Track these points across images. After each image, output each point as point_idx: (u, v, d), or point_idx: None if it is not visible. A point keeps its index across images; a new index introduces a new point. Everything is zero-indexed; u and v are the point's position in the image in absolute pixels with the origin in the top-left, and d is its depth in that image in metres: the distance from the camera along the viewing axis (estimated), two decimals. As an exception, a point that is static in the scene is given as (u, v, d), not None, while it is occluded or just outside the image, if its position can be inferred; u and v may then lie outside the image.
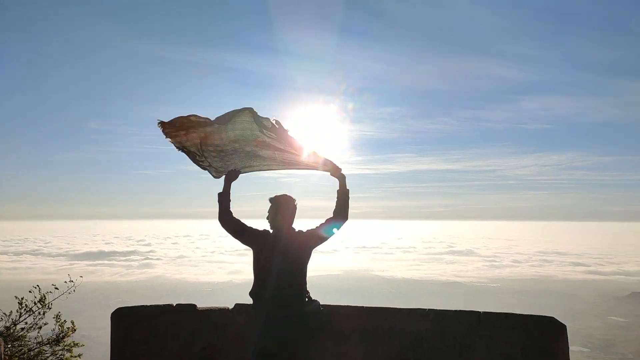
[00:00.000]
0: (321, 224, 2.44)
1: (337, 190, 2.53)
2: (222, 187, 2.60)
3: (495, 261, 72.06)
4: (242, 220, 2.51)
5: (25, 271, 58.40)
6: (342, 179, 2.54)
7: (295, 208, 2.50)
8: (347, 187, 2.56)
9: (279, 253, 2.32)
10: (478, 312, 2.45)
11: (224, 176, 2.68)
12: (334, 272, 54.77)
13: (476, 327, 2.39)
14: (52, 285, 3.62)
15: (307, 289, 2.40)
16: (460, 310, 2.47)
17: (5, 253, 75.98)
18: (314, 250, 2.48)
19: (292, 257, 2.33)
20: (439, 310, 2.49)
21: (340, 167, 2.57)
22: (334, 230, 2.46)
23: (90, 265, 66.10)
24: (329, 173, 2.61)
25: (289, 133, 2.43)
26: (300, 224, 2.51)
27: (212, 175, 2.81)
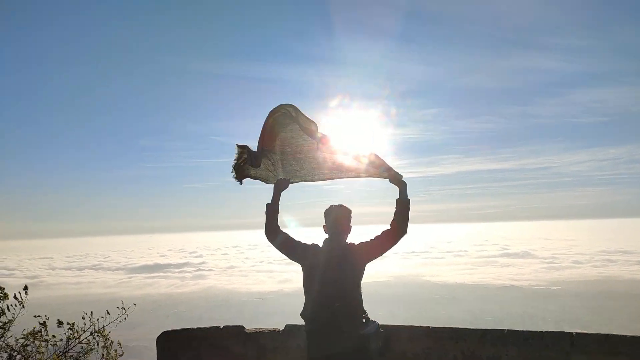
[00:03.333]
0: (377, 237, 2.24)
1: (397, 200, 2.30)
2: (272, 197, 2.43)
3: (554, 263, 68.81)
4: (289, 233, 2.35)
5: (88, 285, 61.47)
6: (402, 186, 2.32)
7: (350, 220, 2.31)
8: (408, 197, 2.31)
9: (333, 270, 2.14)
10: (570, 333, 2.09)
11: (273, 185, 2.53)
12: (383, 278, 54.17)
13: (569, 352, 2.02)
14: (107, 311, 3.43)
15: (364, 309, 2.18)
16: (547, 332, 2.13)
17: (69, 268, 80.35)
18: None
19: (346, 275, 2.16)
20: (521, 331, 2.18)
21: (401, 173, 2.36)
22: (392, 244, 2.24)
23: (147, 277, 68.71)
24: (387, 180, 2.38)
25: (334, 140, 2.34)
26: (353, 233, 2.36)
27: (267, 181, 2.68)
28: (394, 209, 2.28)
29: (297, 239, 2.30)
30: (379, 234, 2.24)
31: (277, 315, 29.19)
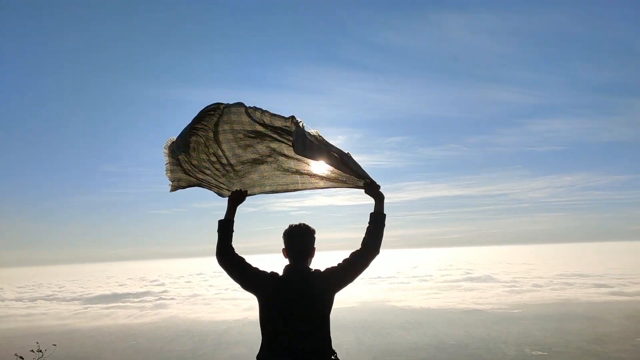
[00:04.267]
0: (345, 261, 1.92)
1: (371, 214, 2.00)
2: (225, 212, 2.10)
3: (515, 286, 70.24)
4: (246, 259, 1.98)
5: (40, 317, 58.01)
6: (379, 198, 2.02)
7: (314, 241, 1.98)
8: (385, 211, 2.02)
9: (295, 303, 1.80)
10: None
11: (227, 197, 2.19)
12: (349, 304, 53.82)
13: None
14: (16, 355, 2.95)
15: (333, 349, 1.85)
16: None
17: (21, 299, 75.65)
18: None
19: (312, 308, 1.82)
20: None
21: (378, 183, 2.03)
22: (364, 266, 1.93)
23: (104, 308, 65.52)
24: (362, 190, 2.08)
25: (306, 134, 1.90)
26: (317, 260, 2.07)
27: (218, 193, 2.34)
28: (367, 225, 1.99)
29: (253, 265, 1.97)
30: (347, 256, 1.95)
31: (240, 344, 28.34)
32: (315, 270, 1.94)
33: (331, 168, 2.05)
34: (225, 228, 2.06)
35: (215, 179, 2.32)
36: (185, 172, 2.27)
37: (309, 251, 1.98)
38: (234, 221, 2.12)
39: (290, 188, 2.29)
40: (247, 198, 2.32)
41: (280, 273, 1.95)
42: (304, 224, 2.01)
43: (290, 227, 2.01)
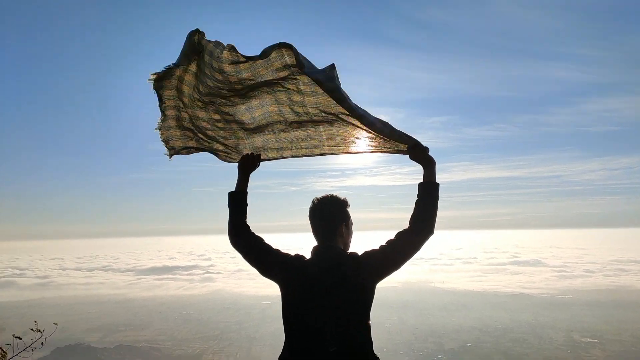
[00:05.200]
0: (390, 242, 1.48)
1: (420, 184, 1.55)
2: (236, 182, 1.69)
3: (565, 271, 68.12)
4: (265, 239, 1.59)
5: (97, 286, 61.92)
6: (429, 163, 1.57)
7: (348, 217, 1.56)
8: (437, 180, 1.56)
9: (326, 294, 1.40)
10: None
11: (237, 163, 1.74)
12: (391, 284, 53.92)
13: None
14: (13, 335, 2.62)
15: (375, 354, 1.43)
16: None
17: (79, 269, 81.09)
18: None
19: (347, 301, 1.40)
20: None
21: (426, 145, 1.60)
22: (415, 248, 1.49)
23: (156, 279, 69.05)
24: (407, 155, 1.63)
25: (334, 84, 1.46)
26: (358, 242, 1.62)
27: (226, 159, 1.86)
28: (416, 199, 1.54)
29: (274, 246, 1.56)
30: (392, 237, 1.49)
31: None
32: (351, 253, 1.51)
33: (365, 127, 1.59)
34: (238, 201, 1.63)
35: (220, 141, 1.83)
36: (182, 129, 1.81)
37: (337, 228, 1.53)
38: (247, 193, 1.69)
39: (315, 152, 1.77)
40: (265, 164, 1.83)
41: (307, 257, 1.53)
42: (330, 195, 1.57)
43: (314, 201, 1.57)
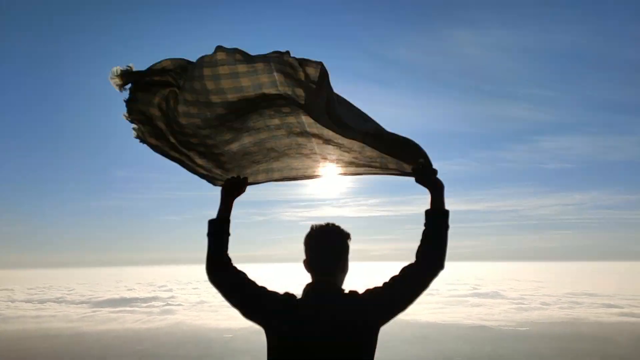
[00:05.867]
0: (394, 279, 1.32)
1: (427, 212, 1.38)
2: (219, 207, 1.50)
3: (522, 304, 69.51)
4: (248, 275, 1.40)
5: (49, 319, 58.58)
6: (435, 188, 1.40)
7: (347, 250, 1.37)
8: (446, 206, 1.38)
9: (320, 338, 1.22)
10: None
11: (220, 187, 1.56)
12: (356, 316, 53.26)
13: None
14: None
15: None
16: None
17: (30, 301, 76.49)
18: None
19: (347, 347, 1.23)
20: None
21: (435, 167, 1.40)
22: (424, 285, 1.32)
23: (113, 312, 65.95)
24: (410, 177, 1.46)
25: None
26: (354, 280, 1.50)
27: (210, 180, 1.67)
28: (423, 228, 1.37)
29: (258, 283, 1.37)
30: (397, 273, 1.34)
31: (246, 353, 28.39)
32: (350, 292, 1.33)
33: (362, 145, 1.40)
34: (219, 231, 1.46)
35: (201, 151, 1.58)
36: (156, 130, 1.55)
37: (341, 263, 1.35)
38: (230, 220, 1.49)
39: (308, 173, 1.63)
40: (249, 189, 1.63)
41: (299, 295, 1.34)
42: (333, 224, 1.37)
43: (314, 228, 1.37)
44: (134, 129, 1.55)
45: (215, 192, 1.59)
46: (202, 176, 1.70)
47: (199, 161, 1.62)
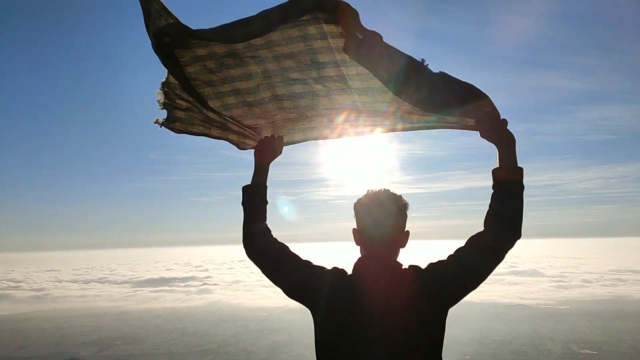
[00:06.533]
0: (461, 251, 1.11)
1: (495, 171, 1.15)
2: (253, 173, 1.31)
3: (562, 281, 68.05)
4: (290, 247, 1.21)
5: (93, 299, 61.48)
6: (504, 141, 1.15)
7: (405, 219, 1.15)
8: (519, 164, 1.15)
9: (377, 321, 1.01)
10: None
11: (253, 150, 1.39)
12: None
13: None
14: None
15: None
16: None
17: (75, 281, 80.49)
18: None
19: (409, 330, 1.02)
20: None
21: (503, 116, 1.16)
22: (496, 258, 1.10)
23: (153, 291, 68.61)
24: (472, 131, 1.22)
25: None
26: (412, 254, 1.30)
27: (238, 144, 1.50)
28: (492, 192, 1.15)
29: (302, 257, 1.17)
30: (464, 245, 1.12)
31: (281, 332, 28.92)
32: (410, 267, 1.11)
33: (414, 95, 1.15)
34: (255, 198, 1.27)
35: (232, 120, 1.41)
36: (186, 102, 1.39)
37: (399, 234, 1.13)
38: (266, 187, 1.30)
39: (348, 132, 1.40)
40: (285, 151, 1.42)
41: (349, 270, 1.13)
42: (389, 190, 1.15)
43: (368, 194, 1.15)
44: (159, 101, 1.37)
45: (245, 171, 1.39)
46: (233, 141, 1.50)
47: (233, 126, 1.45)
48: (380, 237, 1.11)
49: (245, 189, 1.27)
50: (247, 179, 1.34)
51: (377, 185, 1.17)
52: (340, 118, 1.37)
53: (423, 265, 1.12)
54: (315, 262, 1.16)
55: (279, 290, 1.18)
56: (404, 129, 1.37)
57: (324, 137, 1.44)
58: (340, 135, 1.43)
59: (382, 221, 1.11)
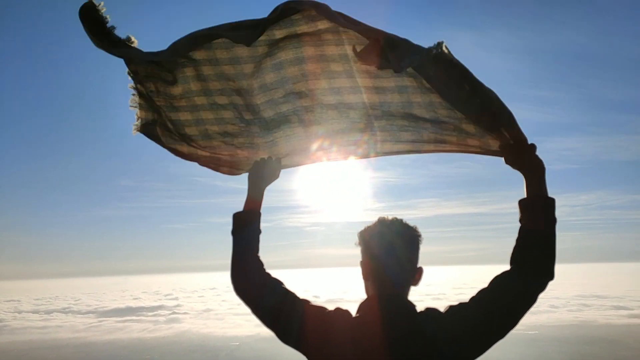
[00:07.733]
0: (486, 293, 0.98)
1: (523, 203, 1.04)
2: (246, 199, 1.15)
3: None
4: (285, 284, 1.07)
5: (55, 330, 58.69)
6: (535, 169, 1.03)
7: (418, 253, 1.04)
8: (549, 194, 1.02)
9: None
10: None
11: (247, 174, 1.22)
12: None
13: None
14: None
15: None
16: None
17: (37, 312, 76.72)
18: None
19: None
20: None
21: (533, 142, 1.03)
22: (527, 301, 0.96)
23: (119, 321, 66.06)
24: (494, 157, 1.12)
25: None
26: (419, 294, 1.08)
27: (230, 170, 1.38)
28: (519, 227, 1.02)
29: (300, 296, 1.03)
30: (488, 287, 0.99)
31: (252, 361, 28.25)
32: (427, 309, 0.98)
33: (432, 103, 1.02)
34: (247, 227, 1.10)
35: (223, 140, 1.28)
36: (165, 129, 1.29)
37: (414, 270, 1.02)
38: (260, 214, 1.13)
39: (360, 152, 1.25)
40: (281, 176, 1.27)
41: (353, 312, 0.99)
42: (402, 220, 1.03)
43: (381, 222, 1.02)
44: (135, 124, 1.31)
45: (220, 198, 1.23)
46: (223, 169, 1.40)
47: (222, 151, 1.35)
48: (393, 272, 0.98)
49: (236, 217, 1.11)
50: (222, 205, 1.15)
51: (387, 215, 1.05)
52: (314, 146, 1.28)
53: (441, 308, 0.98)
54: (314, 303, 1.01)
55: (251, 317, 1.08)
56: (413, 151, 1.22)
57: (297, 164, 1.36)
58: (314, 162, 1.35)
59: (397, 254, 0.98)
